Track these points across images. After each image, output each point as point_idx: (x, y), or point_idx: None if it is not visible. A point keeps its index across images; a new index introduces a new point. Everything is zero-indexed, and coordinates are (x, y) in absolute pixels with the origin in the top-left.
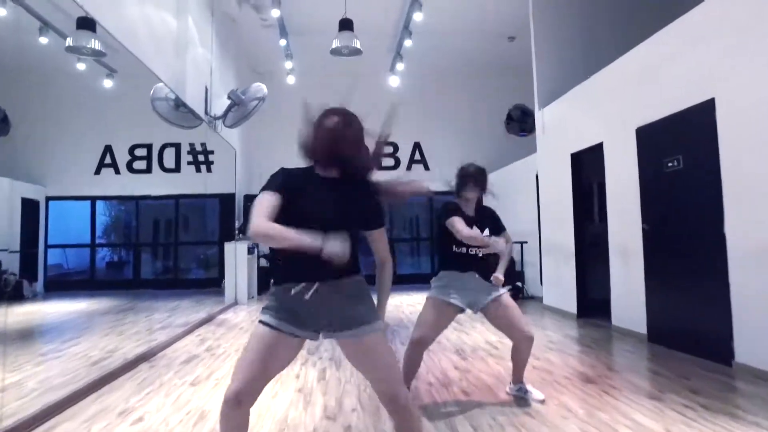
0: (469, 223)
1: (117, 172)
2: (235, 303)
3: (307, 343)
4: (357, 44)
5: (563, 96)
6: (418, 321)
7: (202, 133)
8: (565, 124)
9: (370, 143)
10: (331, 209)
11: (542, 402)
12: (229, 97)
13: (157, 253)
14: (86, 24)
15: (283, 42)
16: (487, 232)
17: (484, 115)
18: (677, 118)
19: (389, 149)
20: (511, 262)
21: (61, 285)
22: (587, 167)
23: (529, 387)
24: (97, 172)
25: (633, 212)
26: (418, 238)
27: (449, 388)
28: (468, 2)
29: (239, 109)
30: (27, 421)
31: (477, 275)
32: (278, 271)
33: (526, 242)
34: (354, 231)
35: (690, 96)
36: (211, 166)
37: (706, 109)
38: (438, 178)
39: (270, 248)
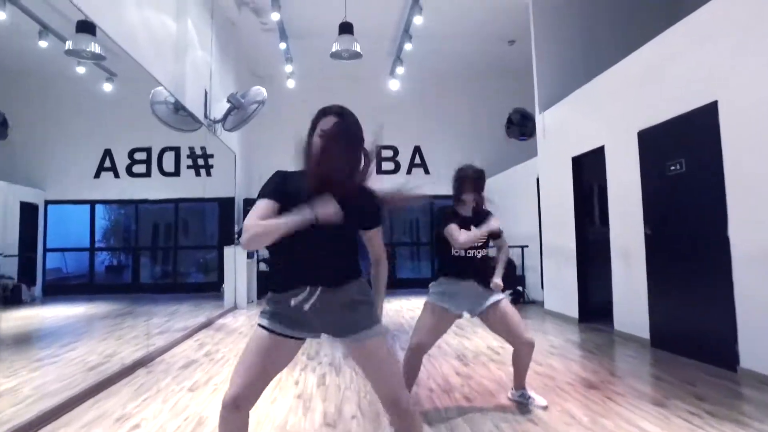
0: (467, 224)
1: (116, 175)
2: (235, 307)
3: (307, 348)
4: (357, 48)
5: (564, 99)
6: (417, 326)
7: (202, 136)
8: (566, 127)
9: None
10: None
11: (545, 408)
12: (228, 101)
13: (157, 257)
14: (86, 27)
15: (283, 45)
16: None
17: (485, 118)
18: (680, 121)
19: (389, 153)
20: (512, 267)
21: (59, 289)
22: (588, 171)
23: (531, 393)
24: (97, 175)
25: (635, 216)
26: (419, 243)
27: (451, 393)
28: (468, 6)
29: (239, 113)
30: (22, 427)
31: (476, 283)
32: (275, 276)
33: (527, 246)
34: (352, 231)
35: (692, 99)
36: (211, 170)
37: (709, 112)
38: (438, 182)
39: (269, 253)
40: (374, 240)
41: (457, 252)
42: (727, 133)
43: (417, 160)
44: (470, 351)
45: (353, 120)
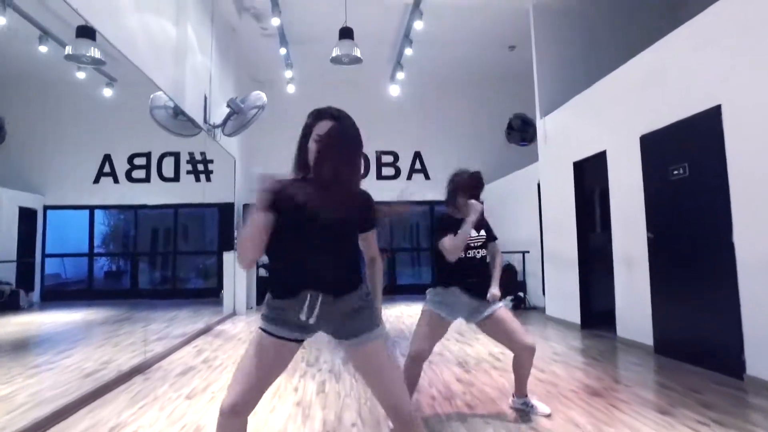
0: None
1: (116, 181)
2: (234, 313)
3: (306, 354)
4: (357, 53)
5: (565, 104)
6: (415, 334)
7: (201, 141)
8: (567, 132)
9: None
10: (327, 212)
11: (548, 416)
12: (228, 106)
13: (156, 262)
14: (86, 33)
15: (283, 51)
16: (482, 232)
17: (485, 124)
18: (683, 125)
19: (389, 158)
20: (513, 272)
21: (58, 295)
22: (590, 175)
23: (534, 401)
24: (96, 181)
25: (638, 221)
26: (419, 248)
27: (452, 401)
28: (468, 11)
29: (238, 118)
30: None
31: (472, 298)
32: (275, 281)
33: (527, 252)
34: (352, 234)
35: (695, 103)
36: (211, 175)
37: (713, 116)
38: (438, 187)
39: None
40: (370, 241)
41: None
42: (731, 137)
43: (417, 165)
44: (472, 357)
45: (350, 123)
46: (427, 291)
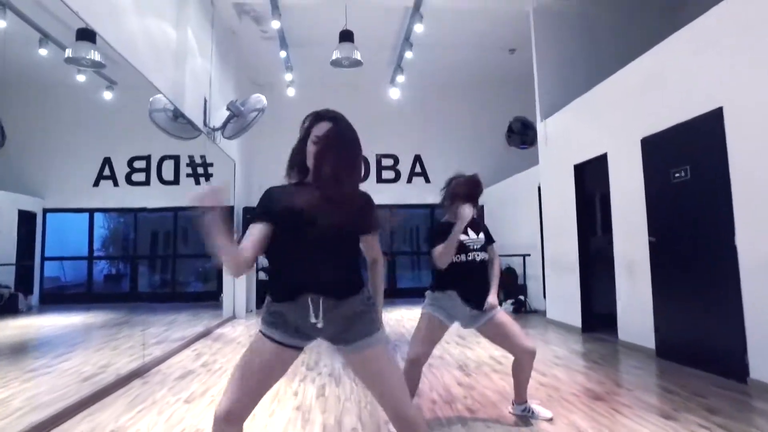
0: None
1: (116, 184)
2: (233, 317)
3: (306, 358)
4: (357, 56)
5: (566, 107)
6: (414, 338)
7: (201, 144)
8: (567, 135)
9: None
10: (327, 215)
11: (550, 420)
12: (228, 109)
13: (155, 265)
14: (86, 35)
15: (283, 54)
16: (482, 236)
17: (485, 127)
18: (684, 128)
19: (389, 161)
20: (513, 276)
21: (57, 298)
22: (591, 178)
23: (534, 405)
24: (96, 184)
25: (639, 224)
26: (419, 252)
27: (453, 405)
28: (469, 14)
29: (238, 121)
30: None
31: (468, 307)
32: (275, 284)
33: (528, 255)
34: (353, 237)
35: (697, 105)
36: (210, 178)
37: (714, 118)
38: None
39: (268, 261)
40: (371, 243)
41: (457, 258)
42: (733, 139)
43: (417, 168)
44: (472, 361)
45: (347, 125)
46: (426, 293)
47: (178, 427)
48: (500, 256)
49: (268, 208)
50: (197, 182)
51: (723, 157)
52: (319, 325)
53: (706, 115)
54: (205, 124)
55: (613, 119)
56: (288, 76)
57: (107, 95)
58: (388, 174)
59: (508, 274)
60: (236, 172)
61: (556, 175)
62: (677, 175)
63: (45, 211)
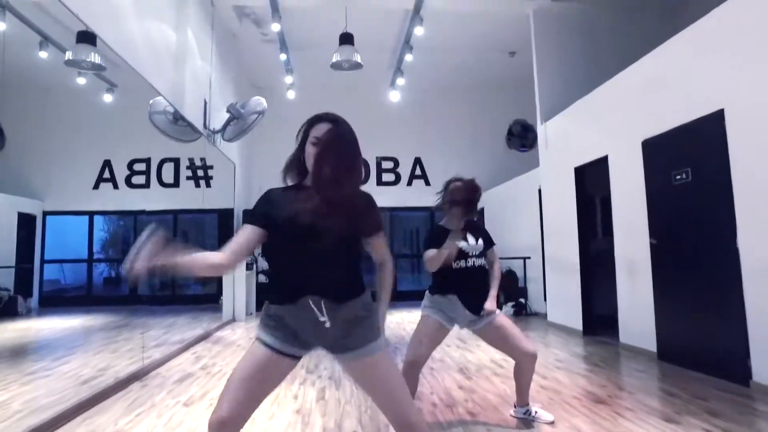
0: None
1: (115, 186)
2: (233, 320)
3: (306, 361)
4: (357, 58)
5: (566, 109)
6: (413, 340)
7: (201, 147)
8: (568, 137)
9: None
10: (328, 220)
11: (551, 424)
12: (228, 111)
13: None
14: (86, 38)
15: (283, 56)
16: (480, 242)
17: (485, 130)
18: (685, 130)
19: (389, 164)
20: (514, 278)
21: (56, 301)
22: (591, 181)
23: (536, 408)
24: (96, 186)
25: (640, 226)
26: (419, 255)
27: (454, 408)
28: (469, 17)
29: (238, 123)
30: None
31: (467, 311)
32: (275, 287)
33: (529, 257)
34: (355, 239)
35: (698, 107)
36: (210, 181)
37: (715, 120)
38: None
39: (268, 264)
40: (377, 246)
41: (457, 264)
42: (734, 141)
43: (417, 171)
44: (473, 364)
45: (347, 127)
46: (426, 296)
47: (177, 431)
48: (501, 258)
49: (266, 212)
50: (197, 185)
51: (724, 159)
52: (327, 325)
53: (707, 117)
54: (205, 126)
55: (613, 121)
56: (288, 79)
57: (107, 98)
58: (388, 177)
59: (509, 276)
60: (236, 175)
61: (557, 177)
62: (678, 177)
63: (45, 213)
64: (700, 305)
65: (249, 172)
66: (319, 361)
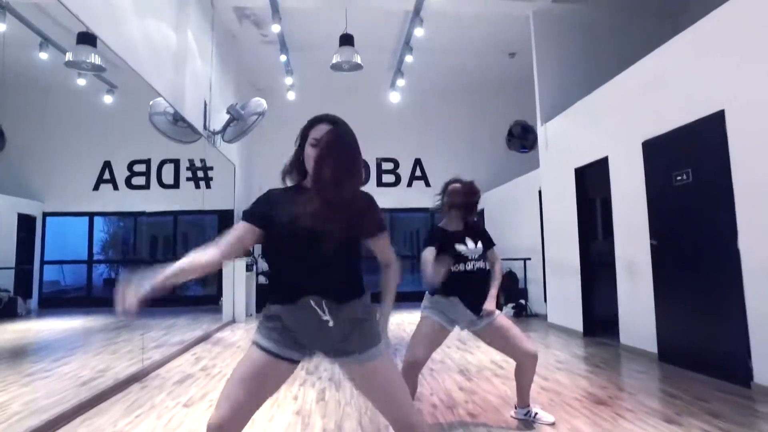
0: (457, 237)
1: (115, 188)
2: (233, 321)
3: (306, 362)
4: (358, 59)
5: (566, 110)
6: (413, 340)
7: (201, 148)
8: (568, 138)
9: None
10: (328, 223)
11: (552, 425)
12: (228, 112)
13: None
14: (86, 39)
15: (283, 58)
16: (479, 244)
17: (485, 131)
18: (685, 131)
19: (389, 165)
20: (514, 280)
21: (56, 302)
22: (592, 182)
23: (537, 409)
24: (96, 187)
25: (640, 227)
26: (419, 256)
27: (454, 410)
28: (469, 18)
29: (238, 124)
30: None
31: (468, 310)
32: (276, 288)
33: (529, 259)
34: (357, 241)
35: (698, 108)
36: (210, 182)
37: (716, 121)
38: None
39: (268, 265)
40: (381, 247)
41: (456, 267)
42: (734, 141)
43: (418, 172)
44: (473, 365)
45: (346, 128)
46: (426, 296)
47: None
48: (501, 260)
49: (266, 213)
50: (197, 186)
51: (725, 159)
52: (331, 324)
53: (708, 118)
54: (205, 127)
55: (613, 122)
56: (288, 80)
57: (107, 99)
58: (388, 178)
59: (509, 277)
60: (236, 176)
61: (557, 178)
62: (679, 178)
63: (45, 214)
64: (700, 306)
65: (249, 173)
66: (319, 363)
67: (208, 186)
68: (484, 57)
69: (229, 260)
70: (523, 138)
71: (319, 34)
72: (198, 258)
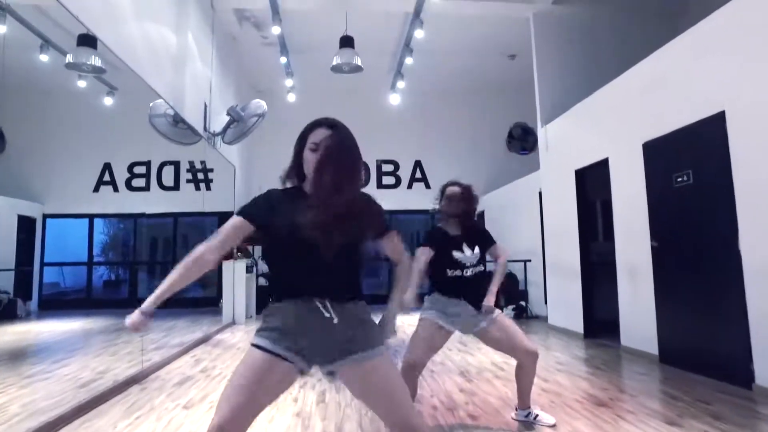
0: (455, 242)
1: (115, 189)
2: (233, 323)
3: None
4: (358, 61)
5: (567, 112)
6: (411, 343)
7: (201, 150)
8: (568, 140)
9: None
10: (329, 228)
11: (553, 426)
12: (228, 114)
13: (155, 271)
14: (87, 41)
15: (283, 59)
16: (477, 250)
17: (486, 133)
18: (686, 132)
19: (390, 167)
20: (515, 281)
21: (56, 304)
22: (592, 183)
23: (537, 411)
24: (96, 189)
25: (641, 229)
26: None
27: (455, 411)
28: (469, 20)
29: (238, 126)
30: None
31: (469, 306)
32: (276, 288)
33: (529, 261)
34: (359, 244)
35: (699, 109)
36: (210, 184)
37: (716, 122)
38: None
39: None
40: (390, 245)
41: (452, 272)
42: (735, 143)
43: (418, 174)
44: (474, 367)
45: (346, 132)
46: (425, 298)
47: None
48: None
49: (266, 214)
50: (197, 188)
51: (725, 160)
52: (335, 320)
53: (709, 119)
54: (205, 129)
55: (614, 124)
56: (288, 82)
57: (107, 101)
58: (388, 180)
59: (509, 279)
60: (236, 178)
61: (557, 180)
62: (679, 179)
63: (45, 216)
64: (701, 308)
65: (249, 175)
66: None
67: (208, 188)
68: (484, 59)
69: (224, 252)
70: (523, 140)
71: (320, 36)
72: (195, 262)
